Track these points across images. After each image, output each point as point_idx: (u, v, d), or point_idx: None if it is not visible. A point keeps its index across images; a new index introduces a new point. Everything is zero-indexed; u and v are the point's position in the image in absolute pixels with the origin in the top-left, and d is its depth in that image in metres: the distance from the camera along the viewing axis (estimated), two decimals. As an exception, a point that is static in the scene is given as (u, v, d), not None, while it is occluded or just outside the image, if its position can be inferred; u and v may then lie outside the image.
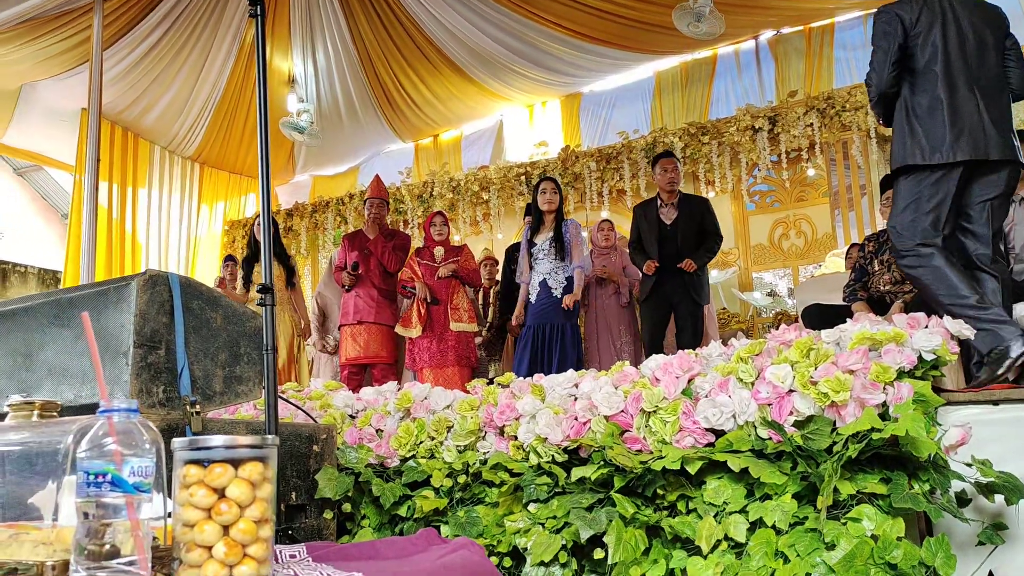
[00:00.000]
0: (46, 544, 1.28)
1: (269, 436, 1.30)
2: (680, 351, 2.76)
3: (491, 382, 3.15)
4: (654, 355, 2.83)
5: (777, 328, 2.73)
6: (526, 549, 2.37)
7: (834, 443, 2.18)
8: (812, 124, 7.17)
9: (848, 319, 2.75)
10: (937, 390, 2.36)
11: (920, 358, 2.34)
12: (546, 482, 2.51)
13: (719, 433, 2.39)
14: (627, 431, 2.51)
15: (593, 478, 2.38)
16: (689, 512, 2.30)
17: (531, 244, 5.56)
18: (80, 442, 1.17)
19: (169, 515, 1.25)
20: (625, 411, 2.52)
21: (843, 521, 2.05)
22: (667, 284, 5.44)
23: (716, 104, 8.36)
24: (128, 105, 8.51)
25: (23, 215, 12.40)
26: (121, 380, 2.01)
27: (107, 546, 1.13)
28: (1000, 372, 2.74)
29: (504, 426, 2.73)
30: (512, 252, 6.36)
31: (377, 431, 3.00)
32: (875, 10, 3.44)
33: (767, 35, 8.28)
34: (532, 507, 2.48)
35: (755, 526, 2.15)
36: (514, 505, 2.55)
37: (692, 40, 7.37)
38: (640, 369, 2.74)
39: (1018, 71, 3.28)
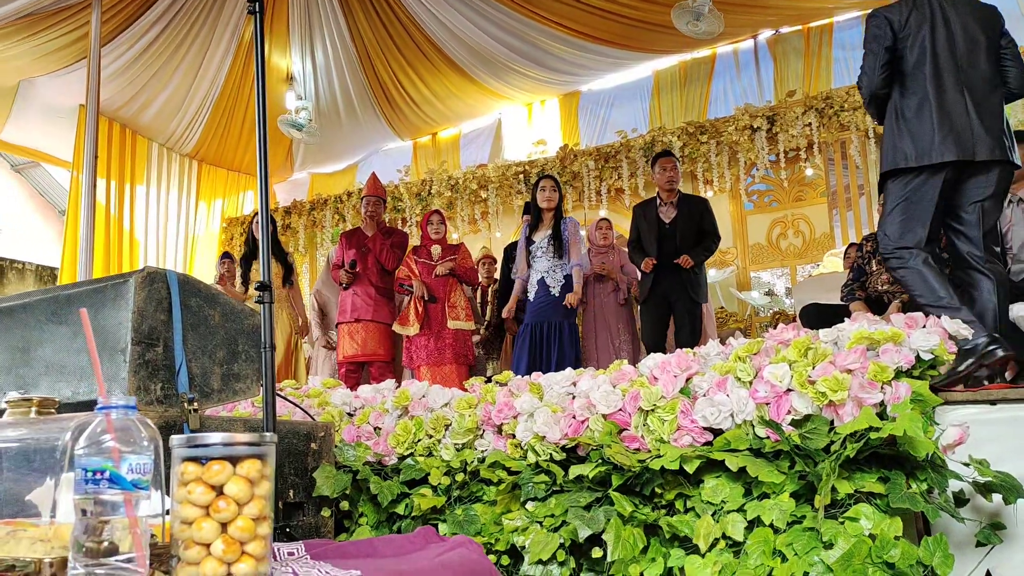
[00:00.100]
0: (44, 541, 1.28)
1: (267, 434, 1.29)
2: (678, 350, 2.76)
3: (489, 380, 3.16)
4: (652, 354, 2.83)
5: (775, 327, 2.73)
6: (524, 547, 2.37)
7: (832, 442, 2.18)
8: (810, 124, 7.18)
9: (846, 319, 2.76)
10: (935, 389, 2.37)
11: (918, 357, 2.34)
12: (544, 480, 2.51)
13: (717, 432, 2.39)
14: (625, 430, 2.51)
15: (591, 476, 2.38)
16: (687, 511, 2.30)
17: (529, 242, 5.56)
18: (78, 439, 1.17)
19: (167, 512, 1.25)
20: (623, 410, 2.53)
21: (841, 520, 2.05)
22: (665, 283, 5.45)
23: (715, 103, 8.37)
24: (126, 102, 8.49)
25: (21, 212, 12.39)
26: (119, 377, 2.00)
27: (105, 543, 1.13)
28: (962, 368, 2.71)
29: (502, 424, 2.73)
30: (510, 251, 6.36)
31: (375, 429, 3.00)
32: (872, 11, 3.46)
33: (766, 34, 8.28)
34: (530, 505, 2.49)
35: (753, 525, 2.15)
36: (512, 503, 2.55)
37: (691, 39, 7.37)
38: (638, 368, 2.74)
39: (1015, 69, 3.29)
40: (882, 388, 2.23)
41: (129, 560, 1.14)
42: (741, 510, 2.20)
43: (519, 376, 3.09)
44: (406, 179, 9.47)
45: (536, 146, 9.07)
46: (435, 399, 3.01)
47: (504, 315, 5.78)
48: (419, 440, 2.84)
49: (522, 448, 2.64)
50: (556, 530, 2.36)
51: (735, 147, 7.53)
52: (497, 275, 7.04)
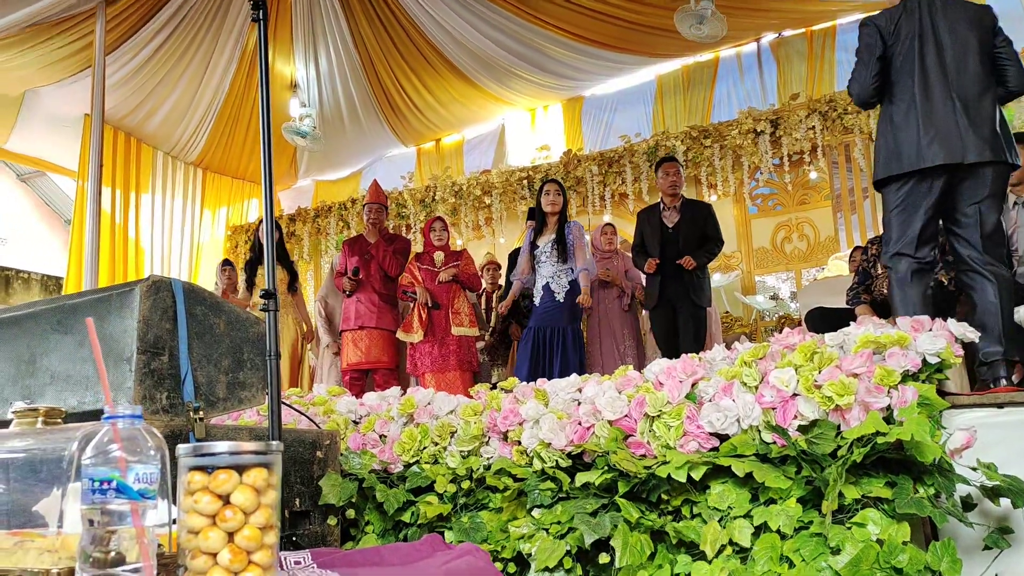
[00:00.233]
0: (51, 551, 1.28)
1: (274, 442, 1.29)
2: (683, 355, 2.75)
3: (494, 387, 3.15)
4: (657, 359, 2.82)
5: (780, 332, 2.73)
6: (530, 555, 2.37)
7: (838, 447, 2.17)
8: (814, 127, 7.17)
9: (852, 322, 2.75)
10: (942, 393, 2.36)
11: (924, 361, 2.33)
12: (550, 487, 2.50)
13: (723, 437, 2.39)
14: (631, 436, 2.51)
15: (597, 483, 2.37)
16: (694, 517, 2.30)
17: (534, 246, 5.56)
18: (85, 449, 1.17)
19: (174, 522, 1.25)
20: (629, 416, 2.52)
21: (848, 525, 2.05)
22: (670, 288, 5.45)
23: (718, 107, 8.36)
24: (131, 110, 8.52)
25: (26, 221, 12.41)
26: (124, 386, 2.01)
27: (112, 553, 1.13)
28: None
29: (508, 431, 2.72)
30: (515, 257, 6.36)
31: (380, 437, 3.00)
32: (863, 19, 3.50)
33: (769, 38, 8.27)
34: (536, 512, 2.48)
35: (760, 531, 2.15)
36: (518, 510, 2.55)
37: (693, 43, 7.37)
38: (644, 373, 2.74)
39: (1013, 67, 3.29)
40: (889, 392, 2.22)
41: (136, 570, 1.14)
42: (748, 516, 2.19)
43: (522, 381, 3.09)
44: (410, 185, 9.48)
45: (540, 151, 9.07)
46: (440, 406, 3.00)
47: (500, 311, 5.78)
48: (425, 448, 2.84)
49: (528, 455, 2.63)
50: (562, 537, 2.35)
51: (739, 151, 7.52)
52: (502, 281, 7.04)
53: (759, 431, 2.33)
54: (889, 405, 2.21)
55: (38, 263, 11.65)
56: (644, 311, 6.11)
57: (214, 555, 1.18)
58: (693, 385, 2.55)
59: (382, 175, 9.81)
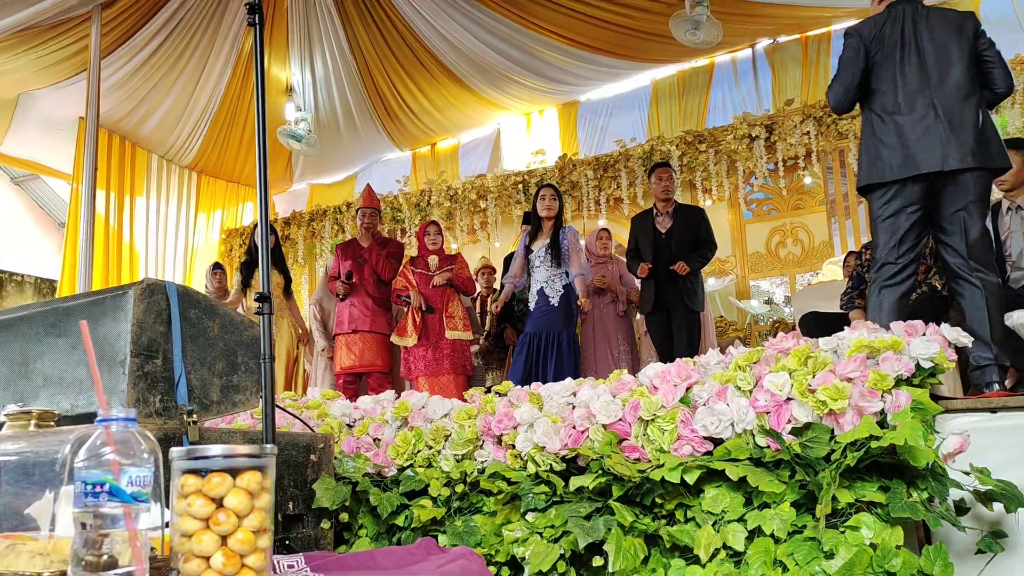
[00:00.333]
0: (43, 555, 1.27)
1: (268, 445, 1.29)
2: (677, 359, 2.76)
3: (489, 391, 3.15)
4: (652, 363, 2.83)
5: (775, 336, 2.73)
6: (524, 558, 2.36)
7: (832, 451, 2.17)
8: (809, 132, 7.20)
9: (846, 327, 2.76)
10: (935, 398, 2.37)
11: (918, 366, 2.34)
12: (544, 491, 2.50)
13: (717, 441, 2.39)
14: (625, 440, 2.51)
15: (591, 487, 2.37)
16: (687, 521, 2.30)
17: (528, 250, 5.56)
18: (78, 452, 1.17)
19: (167, 525, 1.24)
20: (623, 419, 2.52)
21: (842, 530, 2.05)
22: (664, 293, 5.47)
23: (713, 112, 8.39)
24: (126, 114, 8.51)
25: (20, 224, 12.38)
26: (118, 389, 2.00)
27: (105, 557, 1.13)
28: None
29: (502, 435, 2.72)
30: (510, 261, 6.37)
31: (375, 440, 3.00)
32: (847, 29, 3.54)
33: (764, 44, 8.31)
34: (530, 516, 2.48)
35: (753, 535, 2.15)
36: (512, 514, 2.55)
37: (689, 49, 7.39)
38: (638, 377, 2.74)
39: (998, 70, 3.31)
40: (882, 396, 2.23)
41: (129, 574, 1.14)
42: (742, 520, 2.19)
43: (515, 385, 3.09)
44: (405, 189, 9.48)
45: (535, 156, 9.09)
46: (435, 410, 3.00)
47: (493, 311, 5.79)
48: (419, 451, 2.84)
49: (522, 459, 2.63)
50: (556, 541, 2.35)
51: (733, 156, 7.54)
52: (496, 285, 7.04)
53: (753, 435, 2.33)
54: (883, 409, 2.21)
55: (31, 266, 11.62)
56: (639, 315, 6.11)
57: (207, 559, 1.18)
58: (687, 389, 2.55)
59: (377, 179, 9.83)
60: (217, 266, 7.72)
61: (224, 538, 1.19)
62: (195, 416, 2.09)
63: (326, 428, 3.10)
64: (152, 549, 1.23)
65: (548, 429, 2.57)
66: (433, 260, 5.95)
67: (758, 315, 7.57)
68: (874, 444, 2.07)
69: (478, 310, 6.99)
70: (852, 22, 7.72)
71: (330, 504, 2.51)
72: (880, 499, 2.08)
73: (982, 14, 7.13)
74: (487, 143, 9.73)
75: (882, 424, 2.18)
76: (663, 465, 2.31)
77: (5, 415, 1.78)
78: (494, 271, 7.28)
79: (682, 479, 2.28)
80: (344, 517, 2.69)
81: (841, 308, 4.62)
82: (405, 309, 5.95)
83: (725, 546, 2.16)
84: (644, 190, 7.80)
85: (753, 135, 7.41)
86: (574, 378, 3.02)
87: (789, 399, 2.32)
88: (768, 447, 2.28)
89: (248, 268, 6.43)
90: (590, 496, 2.40)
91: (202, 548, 1.17)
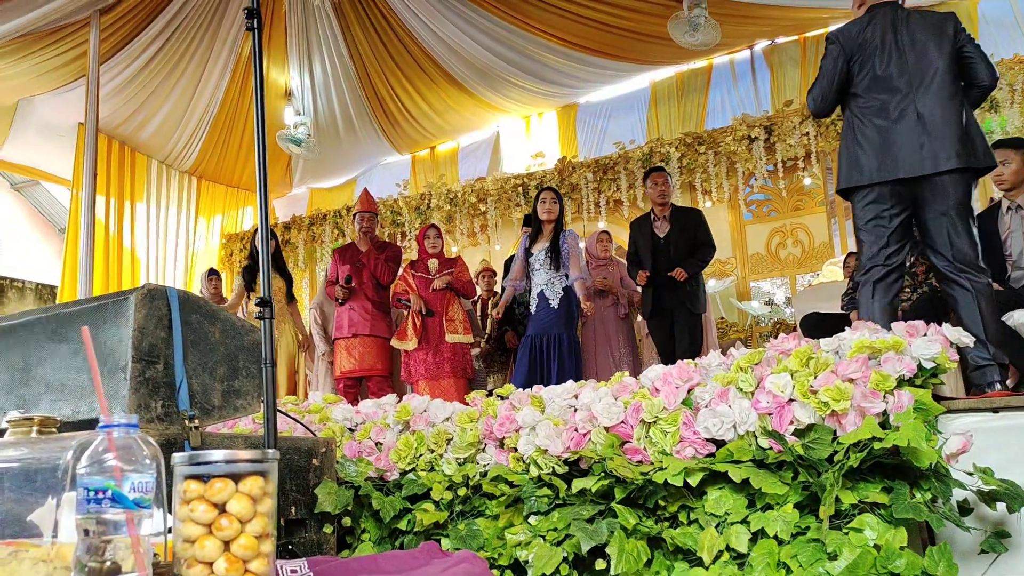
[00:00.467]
0: (46, 561, 1.27)
1: (270, 450, 1.29)
2: (679, 361, 2.76)
3: (490, 394, 3.15)
4: (654, 365, 2.82)
5: (775, 337, 2.73)
6: (527, 562, 2.36)
7: (835, 452, 2.17)
8: (808, 133, 7.20)
9: (847, 327, 2.76)
10: (937, 398, 2.36)
11: (920, 366, 2.33)
12: (547, 494, 2.50)
13: (719, 443, 2.38)
14: (627, 442, 2.50)
15: (594, 490, 2.37)
16: (691, 523, 2.29)
17: (528, 253, 5.57)
18: (80, 458, 1.17)
19: (170, 531, 1.24)
20: (625, 422, 2.52)
21: (845, 531, 2.04)
22: (665, 297, 5.48)
23: (712, 114, 8.39)
24: (125, 119, 8.51)
25: (20, 230, 12.40)
26: (119, 395, 2.00)
27: (108, 563, 1.13)
28: None
29: (504, 438, 2.72)
30: (510, 264, 6.37)
31: (376, 444, 2.99)
32: (829, 34, 3.56)
33: (762, 45, 8.31)
34: (533, 519, 2.48)
35: (757, 536, 2.14)
36: (515, 517, 2.54)
37: (687, 50, 7.39)
38: (640, 379, 2.73)
39: (980, 64, 3.31)
40: (884, 397, 2.22)
41: (131, 580, 1.13)
42: (745, 522, 2.19)
43: (518, 388, 3.09)
44: (405, 193, 9.48)
45: (534, 158, 9.09)
46: (436, 413, 3.00)
47: (495, 315, 5.79)
48: (421, 455, 2.83)
49: (524, 462, 2.63)
50: (559, 544, 2.35)
51: (733, 157, 7.54)
52: (497, 288, 7.04)
53: (755, 437, 2.33)
54: (885, 410, 2.21)
55: (32, 272, 11.62)
56: (640, 318, 6.12)
57: (210, 564, 1.18)
58: (689, 391, 2.55)
59: (377, 183, 9.84)
60: (212, 272, 7.71)
61: (227, 543, 1.19)
62: (197, 421, 2.08)
63: (328, 432, 3.09)
64: (155, 555, 1.22)
65: (550, 432, 2.57)
66: (433, 263, 5.95)
67: (759, 316, 7.57)
68: (877, 445, 2.06)
69: (479, 313, 6.99)
70: (850, 23, 7.76)
71: (332, 508, 2.51)
72: (883, 500, 2.07)
73: (980, 14, 7.14)
74: (486, 146, 9.73)
75: (884, 425, 2.18)
76: (666, 467, 2.31)
77: (7, 422, 1.78)
78: (494, 274, 7.28)
79: (685, 481, 2.27)
80: (347, 521, 2.69)
81: (842, 309, 4.62)
82: (405, 313, 5.96)
83: (728, 548, 2.15)
84: (644, 192, 7.80)
85: (752, 136, 7.42)
86: (575, 380, 3.02)
87: (791, 400, 2.31)
88: (771, 448, 2.28)
89: (250, 272, 6.43)
90: (593, 499, 2.39)
91: (205, 553, 1.17)
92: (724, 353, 2.87)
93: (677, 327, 5.48)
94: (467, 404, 3.13)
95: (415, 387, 5.74)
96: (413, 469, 2.82)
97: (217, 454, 1.22)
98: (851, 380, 2.27)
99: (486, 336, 6.73)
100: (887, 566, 1.93)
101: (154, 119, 8.66)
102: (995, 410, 2.38)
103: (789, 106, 7.49)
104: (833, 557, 1.99)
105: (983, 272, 3.18)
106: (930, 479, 2.09)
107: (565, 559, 2.30)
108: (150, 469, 1.18)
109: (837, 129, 7.07)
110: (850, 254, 6.07)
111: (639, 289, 5.76)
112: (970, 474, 2.10)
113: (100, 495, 1.13)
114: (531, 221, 5.67)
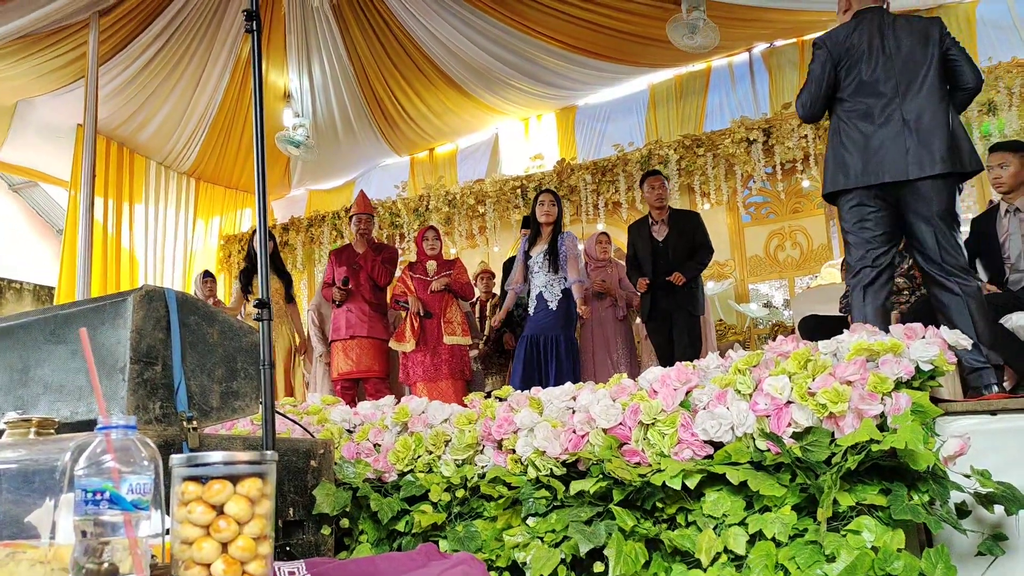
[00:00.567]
0: (43, 563, 1.27)
1: (268, 452, 1.29)
2: (677, 363, 2.76)
3: (488, 395, 3.15)
4: (652, 367, 2.83)
5: (774, 339, 2.73)
6: (525, 563, 2.36)
7: (833, 454, 2.17)
8: (806, 136, 7.20)
9: (845, 330, 2.76)
10: (935, 400, 2.36)
11: (918, 368, 2.34)
12: (545, 496, 2.50)
13: (718, 445, 2.39)
14: (625, 444, 2.51)
15: (592, 491, 2.37)
16: (688, 525, 2.29)
17: (527, 256, 5.58)
18: (78, 459, 1.17)
19: (167, 532, 1.24)
20: (623, 424, 2.52)
21: (843, 533, 2.05)
22: (664, 300, 5.48)
23: (711, 116, 8.40)
24: (124, 121, 8.51)
25: (18, 231, 12.38)
26: (117, 396, 2.00)
27: (105, 564, 1.13)
28: None
29: (502, 440, 2.72)
30: (509, 266, 6.38)
31: (375, 446, 2.99)
32: (816, 39, 3.55)
33: (760, 47, 8.32)
34: (531, 521, 2.48)
35: (755, 538, 2.14)
36: (513, 519, 2.54)
37: (686, 53, 7.41)
38: (638, 381, 2.74)
39: (966, 66, 3.32)
40: (882, 399, 2.22)
41: (129, 581, 1.13)
42: (743, 524, 2.19)
43: (515, 389, 3.09)
44: (404, 195, 9.48)
45: (533, 160, 9.09)
46: (435, 415, 3.00)
47: (493, 323, 5.79)
48: (419, 456, 2.83)
49: (522, 463, 2.63)
50: (557, 545, 2.35)
51: (731, 160, 7.55)
52: (496, 290, 7.05)
53: (753, 439, 2.33)
54: (883, 412, 2.21)
55: (30, 273, 11.61)
56: (638, 320, 6.12)
57: (208, 566, 1.18)
58: (687, 393, 2.55)
59: (376, 184, 9.83)
60: (207, 274, 7.69)
61: (225, 545, 1.18)
62: (195, 423, 2.08)
63: (326, 434, 3.09)
64: (153, 556, 1.22)
65: (548, 434, 2.57)
66: (431, 265, 5.95)
67: (757, 318, 7.57)
68: (875, 447, 2.06)
69: (477, 315, 6.99)
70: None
71: (331, 510, 2.51)
72: (881, 502, 2.07)
73: (978, 17, 7.15)
74: (485, 148, 9.73)
75: (882, 427, 2.18)
76: (664, 469, 2.31)
77: (5, 423, 1.78)
78: (493, 276, 7.28)
79: (683, 483, 2.27)
80: (345, 523, 2.69)
81: (840, 311, 4.63)
82: (403, 315, 5.96)
83: (726, 550, 2.15)
84: (642, 194, 7.81)
85: (751, 139, 7.42)
86: (573, 381, 3.02)
87: (789, 402, 2.32)
88: (768, 451, 2.28)
89: (247, 275, 6.43)
90: (591, 500, 2.39)
91: (203, 555, 1.17)
92: (722, 355, 2.88)
93: (676, 329, 5.48)
94: (465, 406, 3.13)
95: (413, 389, 5.74)
96: (411, 471, 2.82)
97: (215, 455, 1.22)
98: (849, 382, 2.27)
99: (484, 338, 6.73)
100: (885, 568, 1.93)
101: (153, 120, 8.65)
102: (993, 412, 2.38)
103: (788, 108, 7.50)
104: (831, 559, 1.99)
105: (972, 275, 3.18)
106: (928, 481, 2.09)
107: (563, 561, 2.30)
108: (148, 470, 1.18)
109: (835, 131, 7.08)
110: (848, 256, 6.07)
111: (638, 292, 5.76)
112: (968, 476, 2.10)
113: (98, 496, 1.13)
114: (530, 223, 5.67)
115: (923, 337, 2.44)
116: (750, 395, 2.40)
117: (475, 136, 9.81)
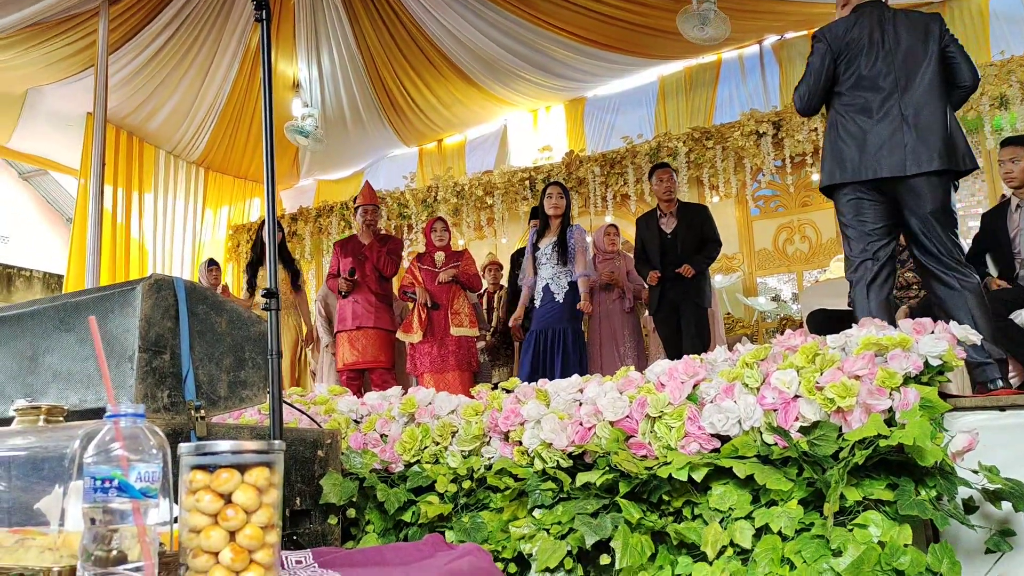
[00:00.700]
0: (52, 550, 1.28)
1: (276, 442, 1.30)
2: (685, 356, 2.75)
3: (495, 387, 3.15)
4: (659, 360, 2.82)
5: (782, 333, 2.72)
6: (531, 555, 2.37)
7: (840, 449, 2.17)
8: (816, 129, 7.17)
9: (853, 324, 2.75)
10: (943, 396, 2.36)
11: (926, 363, 2.33)
12: (551, 488, 2.50)
13: (724, 439, 2.38)
14: (632, 436, 2.50)
15: (598, 484, 2.37)
16: (695, 518, 2.30)
17: (535, 248, 5.57)
18: (87, 447, 1.17)
19: (175, 520, 1.25)
20: (630, 416, 2.52)
21: (850, 527, 2.04)
22: (671, 292, 5.47)
23: (720, 109, 8.36)
24: (133, 109, 8.53)
25: (28, 219, 12.42)
26: (126, 385, 2.01)
27: (114, 552, 1.13)
28: None
29: (509, 431, 2.72)
30: (518, 257, 6.37)
31: (382, 436, 3.00)
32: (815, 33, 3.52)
33: (771, 40, 8.27)
34: (537, 513, 2.48)
35: (761, 532, 2.14)
36: (519, 511, 2.55)
37: (696, 45, 7.36)
38: (645, 374, 2.73)
39: (964, 65, 3.30)
40: (890, 394, 2.22)
41: (138, 569, 1.14)
42: (749, 517, 2.19)
43: (523, 382, 3.09)
44: (412, 186, 9.48)
45: (542, 152, 9.07)
46: (442, 406, 3.00)
47: (511, 324, 5.78)
48: (426, 447, 2.84)
49: (529, 455, 2.63)
50: (563, 537, 2.35)
51: (741, 152, 7.52)
52: (504, 281, 7.04)
53: (760, 432, 2.33)
54: (891, 407, 2.21)
55: (39, 261, 11.66)
56: (646, 312, 6.11)
57: (216, 554, 1.18)
58: (695, 386, 2.54)
59: (384, 175, 9.83)
60: (212, 262, 7.69)
61: (232, 534, 1.19)
62: (203, 412, 2.09)
63: (333, 424, 3.10)
64: (161, 544, 1.23)
65: (555, 426, 2.57)
66: (439, 256, 5.95)
67: (765, 312, 7.55)
68: (882, 442, 2.06)
69: (484, 306, 6.99)
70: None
71: (337, 500, 2.52)
72: (888, 497, 2.07)
73: (991, 10, 7.10)
74: (494, 139, 9.72)
75: (890, 422, 2.18)
76: (670, 462, 2.31)
77: (15, 410, 1.79)
78: (501, 267, 7.27)
79: (689, 476, 2.27)
80: (351, 513, 2.70)
81: (849, 305, 4.60)
82: (411, 306, 5.96)
83: (732, 543, 2.15)
84: (651, 187, 7.79)
85: (760, 132, 7.39)
86: (580, 374, 3.02)
87: (797, 396, 2.31)
88: (775, 444, 2.28)
89: (252, 268, 6.44)
90: (597, 493, 2.40)
91: (211, 544, 1.18)
92: (730, 348, 2.87)
93: (683, 322, 5.47)
94: (472, 397, 3.13)
95: (420, 380, 5.75)
96: (418, 461, 2.83)
97: (223, 445, 1.22)
98: (857, 377, 2.26)
99: (491, 329, 6.73)
100: (891, 563, 1.93)
101: (162, 109, 8.67)
102: (1001, 408, 2.37)
103: (798, 102, 7.45)
104: (837, 553, 1.99)
105: (972, 270, 3.17)
106: (935, 477, 2.09)
107: (569, 553, 2.31)
108: (156, 459, 1.18)
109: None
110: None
111: (646, 285, 5.75)
112: (976, 472, 2.10)
113: (107, 484, 1.14)
114: (538, 215, 5.67)
115: (932, 332, 2.43)
116: (757, 389, 2.40)
117: (484, 127, 9.79)
